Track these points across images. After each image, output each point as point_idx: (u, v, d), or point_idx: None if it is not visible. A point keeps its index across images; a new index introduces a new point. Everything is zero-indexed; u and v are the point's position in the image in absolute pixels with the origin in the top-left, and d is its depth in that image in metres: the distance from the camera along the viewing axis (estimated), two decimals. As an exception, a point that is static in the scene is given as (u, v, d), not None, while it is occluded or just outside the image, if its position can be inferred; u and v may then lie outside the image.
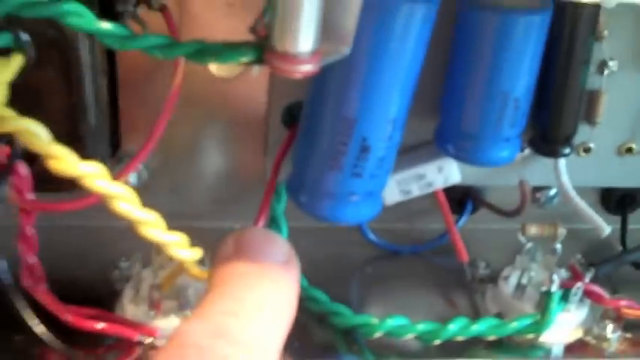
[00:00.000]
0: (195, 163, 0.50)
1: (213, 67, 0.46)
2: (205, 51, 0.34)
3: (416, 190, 0.46)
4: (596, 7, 0.41)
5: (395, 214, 0.50)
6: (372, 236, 0.50)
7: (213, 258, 0.33)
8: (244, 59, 0.33)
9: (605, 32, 0.43)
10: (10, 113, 0.34)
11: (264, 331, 0.30)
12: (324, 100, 0.38)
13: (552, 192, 0.52)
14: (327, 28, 0.33)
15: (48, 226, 0.40)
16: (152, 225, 0.36)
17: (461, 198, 0.51)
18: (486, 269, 0.48)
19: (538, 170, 0.47)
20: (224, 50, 0.34)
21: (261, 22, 0.34)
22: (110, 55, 0.44)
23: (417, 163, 0.45)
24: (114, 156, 0.46)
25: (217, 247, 0.33)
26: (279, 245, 0.33)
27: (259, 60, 0.33)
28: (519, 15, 0.39)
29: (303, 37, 0.32)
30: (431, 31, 0.36)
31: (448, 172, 0.45)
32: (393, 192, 0.45)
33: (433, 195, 0.48)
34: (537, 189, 0.52)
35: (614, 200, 0.52)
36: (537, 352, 0.44)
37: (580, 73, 0.43)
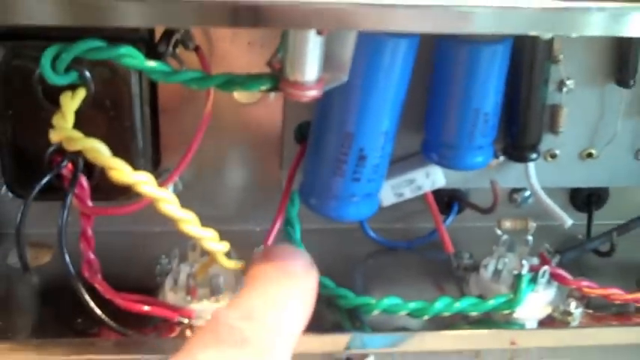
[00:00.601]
0: (222, 176, 0.57)
1: (238, 95, 0.54)
2: (232, 81, 0.42)
3: (408, 193, 0.53)
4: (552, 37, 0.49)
5: (392, 215, 0.58)
6: (372, 234, 0.58)
7: (247, 264, 0.41)
8: (263, 87, 0.42)
9: (561, 56, 0.50)
10: (78, 135, 0.42)
11: (285, 320, 0.36)
12: (327, 119, 0.46)
13: (527, 193, 0.59)
14: (328, 60, 0.41)
15: (103, 231, 0.47)
16: (190, 222, 0.44)
17: (448, 200, 0.58)
18: (470, 259, 0.56)
19: (512, 174, 0.55)
20: (247, 80, 0.42)
21: (275, 58, 0.42)
22: (152, 88, 0.51)
23: (408, 170, 0.53)
24: (155, 172, 0.52)
25: (252, 257, 0.41)
26: (300, 256, 0.41)
27: (275, 88, 0.42)
28: (485, 45, 0.46)
29: (309, 69, 0.40)
30: (414, 60, 0.45)
31: (434, 177, 0.53)
32: (388, 195, 0.53)
33: (423, 198, 0.55)
34: (514, 190, 0.59)
35: (581, 199, 0.60)
36: (512, 326, 0.51)
37: (540, 90, 0.50)
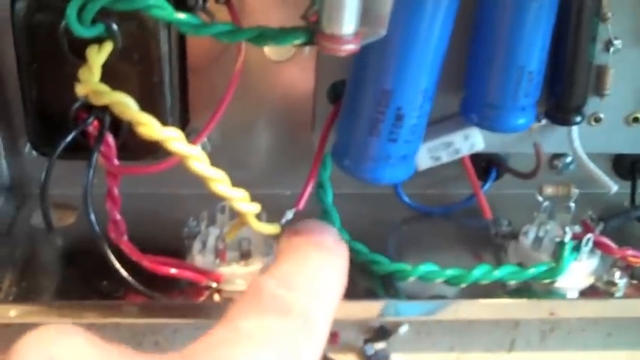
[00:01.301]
0: (252, 137, 0.56)
1: (269, 52, 0.52)
2: (265, 35, 0.40)
3: (445, 157, 0.51)
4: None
5: (427, 180, 0.56)
6: (406, 199, 0.56)
7: (280, 237, 0.42)
8: (298, 41, 0.40)
9: (609, 14, 0.48)
10: (105, 88, 0.41)
11: (323, 289, 0.37)
12: (363, 76, 0.44)
13: (568, 159, 0.57)
14: (366, 13, 0.39)
15: (131, 193, 0.45)
16: (220, 181, 0.42)
17: (486, 165, 0.56)
18: (509, 227, 0.54)
19: (554, 138, 0.52)
20: (280, 34, 0.40)
21: (311, 10, 0.40)
22: (182, 44, 0.49)
23: (446, 132, 0.50)
24: (183, 131, 0.52)
25: (285, 231, 0.42)
26: (331, 231, 0.41)
27: (310, 42, 0.40)
28: (531, -1, 0.44)
29: (347, 22, 0.38)
30: (455, 12, 0.42)
31: (473, 140, 0.51)
32: (424, 158, 0.51)
33: (461, 163, 0.53)
34: (555, 156, 0.57)
35: (625, 166, 0.57)
36: (553, 296, 0.49)
37: (587, 50, 0.48)
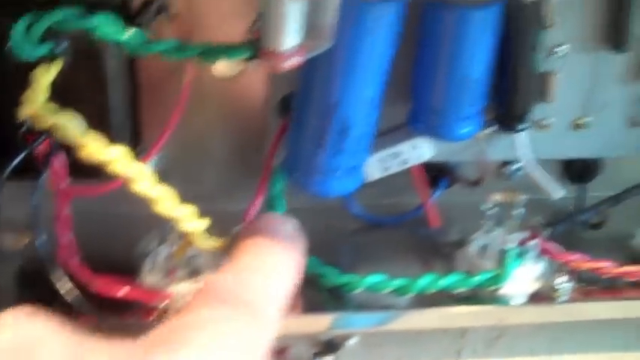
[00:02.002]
0: (208, 153, 0.55)
1: (215, 69, 0.52)
2: (210, 51, 0.41)
3: (394, 167, 0.51)
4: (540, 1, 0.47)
5: (379, 191, 0.56)
6: (356, 210, 0.56)
7: (229, 240, 0.43)
8: (242, 57, 0.40)
9: (552, 21, 0.49)
10: (48, 110, 0.40)
11: (273, 284, 0.37)
12: (309, 89, 0.44)
13: (517, 166, 0.57)
14: (310, 26, 0.39)
15: (86, 212, 0.45)
16: (165, 200, 0.42)
17: (437, 174, 0.56)
18: (457, 235, 0.54)
19: (502, 145, 0.53)
20: (226, 50, 0.41)
21: (255, 26, 0.41)
22: (132, 62, 0.49)
23: (394, 143, 0.51)
24: (135, 150, 0.52)
25: (231, 235, 0.42)
26: (286, 223, 0.42)
27: (254, 57, 0.40)
28: (474, 10, 0.45)
29: (288, 36, 0.38)
30: (399, 26, 0.43)
31: (421, 150, 0.51)
32: (374, 169, 0.51)
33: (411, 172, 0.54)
34: (505, 163, 0.57)
35: (575, 171, 0.58)
36: (499, 302, 0.50)
37: (530, 57, 0.49)
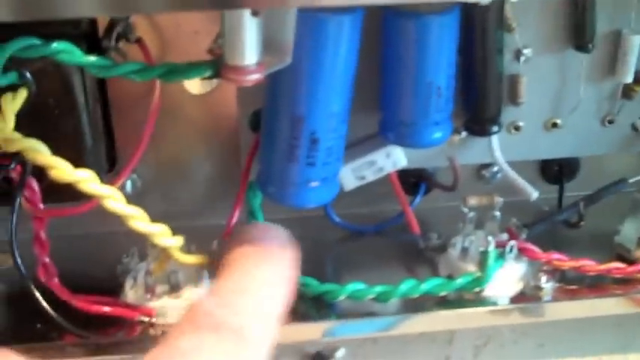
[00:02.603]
0: (184, 171, 0.56)
1: (189, 87, 0.53)
2: (173, 71, 0.41)
3: (370, 176, 0.52)
4: (500, 3, 0.48)
5: (359, 200, 0.56)
6: (337, 219, 0.56)
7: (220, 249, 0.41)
8: (205, 75, 0.41)
9: (515, 24, 0.49)
10: (16, 135, 0.41)
11: (264, 303, 0.36)
12: (276, 103, 0.45)
13: (495, 169, 0.58)
14: (269, 42, 0.40)
15: (63, 235, 0.47)
16: (138, 218, 0.43)
17: (416, 180, 0.57)
18: (438, 240, 0.54)
19: (477, 149, 0.53)
20: (188, 69, 0.41)
21: (216, 43, 0.42)
22: (101, 85, 0.50)
23: (368, 152, 0.51)
24: (111, 171, 0.52)
25: (232, 238, 0.40)
26: (275, 234, 0.40)
27: (217, 74, 0.41)
28: (432, 17, 0.45)
29: (248, 52, 0.39)
30: (359, 37, 0.43)
31: (395, 158, 0.52)
32: (349, 179, 0.52)
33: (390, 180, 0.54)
34: (482, 166, 0.58)
35: (552, 171, 0.58)
36: (484, 305, 0.50)
37: (495, 61, 0.49)
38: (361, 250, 0.56)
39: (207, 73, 0.41)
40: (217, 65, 0.41)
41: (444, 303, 0.50)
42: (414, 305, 0.50)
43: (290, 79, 0.43)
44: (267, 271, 0.38)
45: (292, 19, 0.40)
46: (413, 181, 0.57)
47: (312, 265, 0.52)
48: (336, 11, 0.42)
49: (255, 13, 0.38)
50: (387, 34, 0.47)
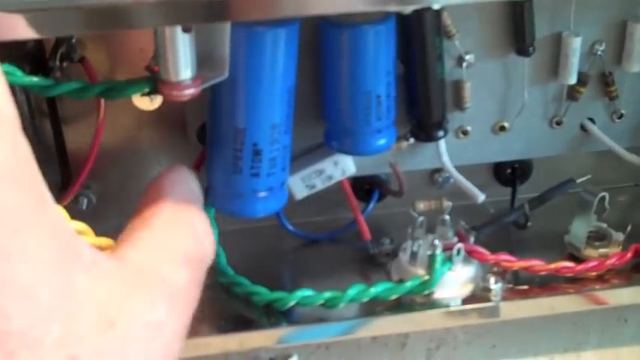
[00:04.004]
0: (138, 185, 0.55)
1: (137, 103, 0.53)
2: (112, 89, 0.42)
3: (319, 184, 0.53)
4: (437, 10, 0.48)
5: (315, 208, 0.58)
6: (290, 228, 0.57)
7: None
8: (143, 91, 0.42)
9: (454, 31, 0.50)
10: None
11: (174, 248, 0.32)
12: (218, 117, 0.45)
13: (447, 173, 0.57)
14: (204, 57, 0.41)
15: None
16: (82, 234, 0.42)
17: (369, 188, 0.57)
18: (390, 245, 0.55)
19: (426, 155, 0.54)
20: (126, 86, 0.42)
21: (153, 60, 0.42)
22: (51, 102, 0.51)
23: (316, 161, 0.52)
24: (66, 187, 0.53)
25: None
26: (187, 179, 0.38)
27: (155, 91, 0.42)
28: (367, 26, 0.46)
29: (183, 68, 0.40)
30: (296, 49, 0.44)
31: (344, 165, 0.52)
32: (299, 188, 0.52)
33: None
34: (435, 171, 0.58)
35: (505, 174, 0.59)
36: (434, 307, 0.50)
37: (435, 68, 0.50)
38: (315, 257, 0.56)
39: (145, 90, 0.42)
40: (154, 81, 0.41)
41: (397, 307, 0.50)
42: (367, 311, 0.50)
43: (229, 92, 0.44)
44: (175, 217, 0.34)
45: (226, 33, 0.41)
46: (367, 187, 0.57)
47: (268, 273, 0.54)
48: (271, 24, 0.43)
49: (186, 30, 0.39)
50: (323, 44, 0.48)
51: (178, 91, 0.41)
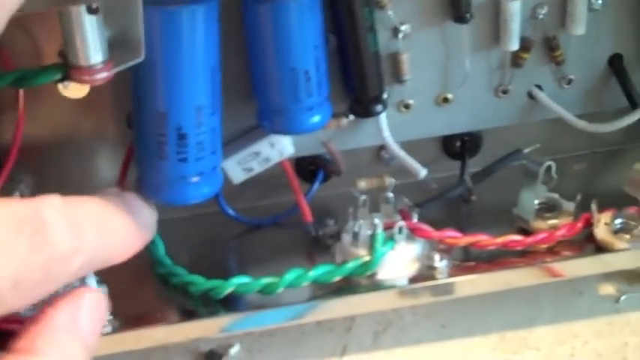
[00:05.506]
0: (70, 177, 0.54)
1: (63, 91, 0.51)
2: (23, 77, 0.40)
3: (257, 167, 0.51)
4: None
5: (257, 192, 0.56)
6: (231, 213, 0.55)
7: None
8: (55, 78, 0.40)
9: (386, 1, 0.48)
10: None
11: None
12: (140, 101, 0.43)
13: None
14: (116, 39, 0.39)
15: None
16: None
17: (314, 168, 0.55)
18: (335, 226, 0.53)
19: (368, 131, 0.52)
20: (38, 74, 0.40)
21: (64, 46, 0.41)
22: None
23: (251, 143, 0.50)
24: None
25: None
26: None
27: (66, 76, 0.40)
28: (287, 1, 0.44)
29: (92, 51, 0.38)
30: (217, 27, 0.42)
31: (281, 147, 0.50)
32: (236, 171, 0.51)
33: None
34: (382, 148, 0.55)
35: (454, 147, 0.57)
36: (379, 289, 0.48)
37: (367, 40, 0.48)
38: (259, 243, 0.54)
39: (57, 76, 0.40)
40: (65, 67, 0.40)
41: (341, 290, 0.48)
42: (312, 295, 0.48)
43: (148, 75, 0.42)
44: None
45: (138, 14, 0.39)
46: (311, 168, 0.55)
47: (210, 262, 0.52)
48: (187, 1, 0.41)
49: (92, 11, 0.38)
50: (246, 20, 0.46)
51: (89, 76, 0.39)
